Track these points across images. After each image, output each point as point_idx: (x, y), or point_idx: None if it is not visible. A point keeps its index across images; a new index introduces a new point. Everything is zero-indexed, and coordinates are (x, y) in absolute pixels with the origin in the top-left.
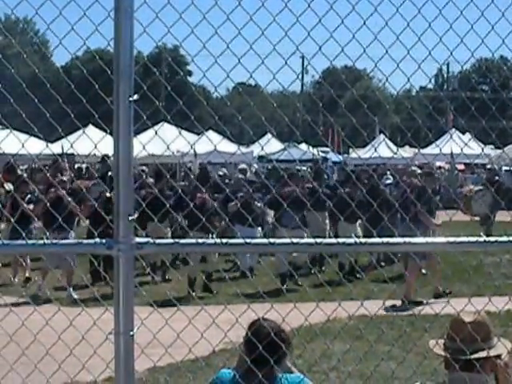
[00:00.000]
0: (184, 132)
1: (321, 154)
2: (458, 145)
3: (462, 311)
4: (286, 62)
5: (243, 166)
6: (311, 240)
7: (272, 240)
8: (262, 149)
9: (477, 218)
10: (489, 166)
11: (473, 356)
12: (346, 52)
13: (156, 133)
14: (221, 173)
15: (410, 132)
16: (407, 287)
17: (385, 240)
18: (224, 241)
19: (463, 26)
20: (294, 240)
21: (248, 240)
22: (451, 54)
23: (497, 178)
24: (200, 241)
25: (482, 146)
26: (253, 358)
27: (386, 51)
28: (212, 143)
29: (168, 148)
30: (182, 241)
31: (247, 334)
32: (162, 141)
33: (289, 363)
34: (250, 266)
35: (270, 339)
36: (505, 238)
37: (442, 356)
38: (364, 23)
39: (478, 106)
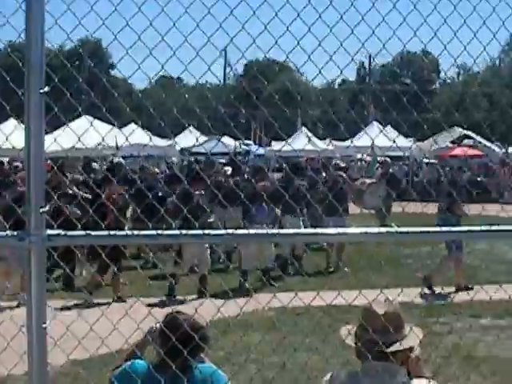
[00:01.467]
0: (106, 125)
1: (243, 146)
2: (388, 137)
3: (375, 301)
4: (213, 62)
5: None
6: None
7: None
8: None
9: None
10: (381, 159)
11: (387, 350)
12: (261, 46)
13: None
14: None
15: (330, 124)
16: None
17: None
18: (136, 232)
19: (391, 18)
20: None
21: (160, 231)
22: (383, 46)
23: (390, 170)
24: (112, 233)
25: (404, 138)
26: (168, 350)
27: (298, 43)
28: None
29: (78, 140)
30: (94, 233)
31: (162, 326)
32: (75, 133)
33: (205, 357)
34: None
35: (185, 332)
36: (417, 229)
37: (353, 347)
38: (276, 15)
39: (399, 99)
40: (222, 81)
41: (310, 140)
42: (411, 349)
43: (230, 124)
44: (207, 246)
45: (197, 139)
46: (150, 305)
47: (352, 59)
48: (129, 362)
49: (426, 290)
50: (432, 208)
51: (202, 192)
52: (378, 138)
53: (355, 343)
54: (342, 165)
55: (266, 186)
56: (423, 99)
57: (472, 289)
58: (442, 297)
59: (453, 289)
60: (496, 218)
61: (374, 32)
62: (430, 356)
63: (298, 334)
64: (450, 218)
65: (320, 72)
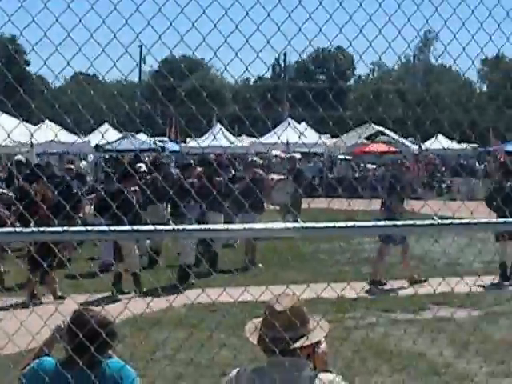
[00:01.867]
0: (20, 123)
1: (158, 143)
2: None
3: (279, 296)
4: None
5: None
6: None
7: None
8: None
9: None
10: (287, 156)
11: (292, 346)
12: (185, 41)
13: None
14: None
15: (247, 121)
16: None
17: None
18: (65, 228)
19: (302, 15)
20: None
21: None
22: (289, 42)
23: (297, 166)
24: (41, 229)
25: (318, 134)
26: (75, 347)
27: (204, 39)
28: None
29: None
30: (19, 229)
31: (69, 322)
32: None
33: (113, 353)
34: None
35: (92, 328)
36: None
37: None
38: (203, 12)
39: (314, 95)
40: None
41: (214, 137)
42: (318, 342)
43: (138, 121)
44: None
45: (103, 136)
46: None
47: (257, 55)
48: (37, 360)
49: (373, 286)
50: (346, 204)
51: (137, 188)
52: (294, 134)
53: (258, 341)
54: (260, 162)
55: (194, 183)
56: (338, 96)
57: (425, 281)
58: (393, 291)
59: (402, 283)
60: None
61: (279, 28)
62: (337, 350)
63: (207, 330)
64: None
65: (225, 69)
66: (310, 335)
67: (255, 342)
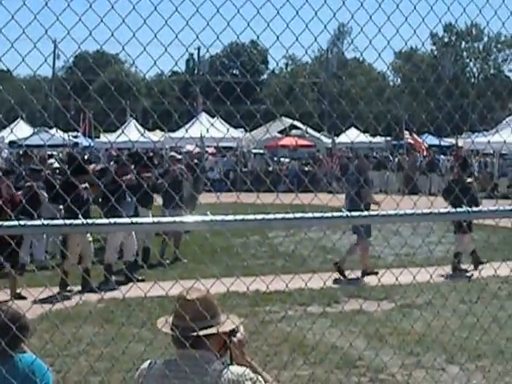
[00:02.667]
0: None
1: (71, 138)
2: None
3: (191, 289)
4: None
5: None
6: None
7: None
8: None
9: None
10: (184, 150)
11: (199, 333)
12: (95, 37)
13: None
14: None
15: (160, 116)
16: None
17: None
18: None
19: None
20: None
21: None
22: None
23: (196, 161)
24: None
25: (229, 128)
26: None
27: (112, 34)
28: None
29: None
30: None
31: None
32: None
33: (26, 348)
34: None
35: (3, 323)
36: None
37: (169, 334)
38: (112, 7)
39: (227, 90)
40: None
41: (122, 131)
42: (231, 334)
43: (51, 115)
44: (90, 238)
45: (11, 130)
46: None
47: (166, 49)
48: None
49: (339, 276)
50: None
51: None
52: (209, 129)
53: (171, 329)
54: (179, 157)
55: (131, 180)
56: (252, 90)
57: (377, 273)
58: (354, 282)
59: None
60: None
61: (186, 22)
62: (256, 344)
63: (130, 326)
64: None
65: (133, 63)
66: (219, 326)
67: (168, 331)
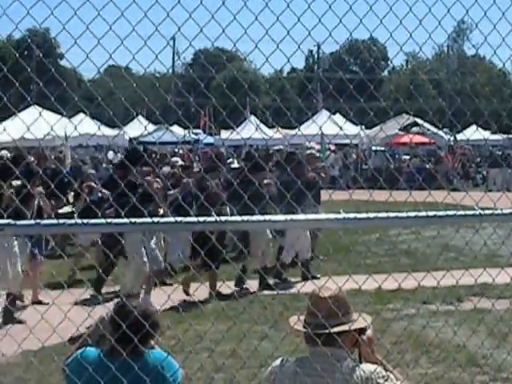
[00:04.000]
0: (55, 115)
1: (193, 135)
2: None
3: (323, 287)
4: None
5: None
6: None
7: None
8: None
9: None
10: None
11: (332, 330)
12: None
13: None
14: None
15: (282, 113)
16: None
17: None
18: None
19: (341, 6)
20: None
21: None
22: (330, 34)
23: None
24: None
25: (353, 126)
26: (118, 337)
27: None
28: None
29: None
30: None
31: (113, 313)
32: (24, 123)
33: (155, 345)
34: None
35: (135, 319)
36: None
37: (302, 332)
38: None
39: (348, 87)
40: (170, 70)
41: (257, 128)
42: (360, 332)
43: (179, 113)
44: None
45: (145, 127)
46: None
47: (299, 47)
48: (80, 350)
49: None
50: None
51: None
52: (328, 126)
53: (304, 327)
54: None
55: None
56: (371, 87)
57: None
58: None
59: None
60: (443, 204)
61: (320, 20)
62: (379, 342)
63: (249, 322)
64: None
65: (267, 60)
66: (351, 324)
67: (301, 329)
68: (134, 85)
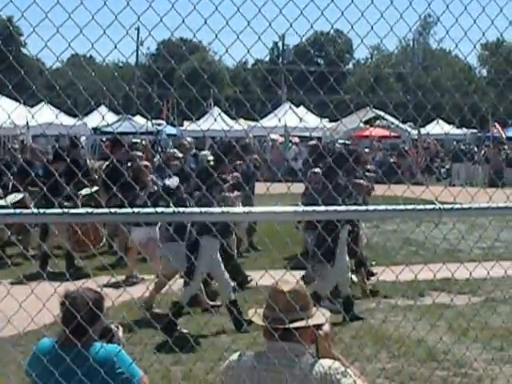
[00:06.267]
0: (16, 104)
1: (156, 126)
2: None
3: (282, 280)
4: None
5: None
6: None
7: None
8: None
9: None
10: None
11: (290, 325)
12: (181, 24)
13: None
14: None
15: (245, 104)
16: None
17: None
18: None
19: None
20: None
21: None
22: (291, 25)
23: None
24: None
25: (318, 118)
26: (66, 327)
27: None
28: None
29: None
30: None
31: (61, 304)
32: None
33: (121, 337)
34: None
35: (78, 308)
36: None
37: (260, 325)
38: None
39: (313, 79)
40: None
41: (215, 119)
42: (319, 326)
43: (137, 103)
44: None
45: (103, 117)
46: None
47: (259, 38)
48: (39, 342)
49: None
50: None
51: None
52: (292, 118)
53: (261, 323)
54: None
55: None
56: (337, 79)
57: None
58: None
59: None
60: (403, 198)
61: (281, 11)
62: (337, 336)
63: (207, 315)
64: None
65: (226, 51)
66: (310, 319)
67: (259, 322)
68: (95, 74)
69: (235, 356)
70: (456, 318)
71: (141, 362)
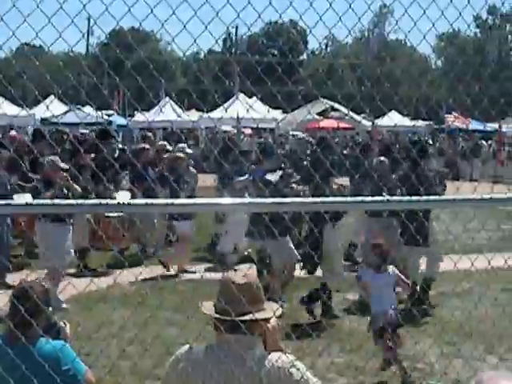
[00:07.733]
0: None
1: (105, 116)
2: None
3: (235, 273)
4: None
5: None
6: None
7: None
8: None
9: None
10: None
11: (236, 318)
12: (133, 13)
13: None
14: None
15: (196, 95)
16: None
17: None
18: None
19: None
20: None
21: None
22: (238, 15)
23: None
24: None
25: (268, 109)
26: (11, 321)
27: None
28: None
29: None
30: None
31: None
32: None
33: (67, 332)
34: None
35: (24, 301)
36: None
37: (210, 317)
38: None
39: (265, 70)
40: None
41: (161, 110)
42: (267, 320)
43: (83, 93)
44: None
45: (47, 107)
46: None
47: (205, 27)
48: None
49: None
50: None
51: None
52: (245, 109)
53: (210, 314)
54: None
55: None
56: (290, 71)
57: None
58: None
59: None
60: None
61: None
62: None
63: (153, 308)
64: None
65: (173, 40)
66: (259, 314)
67: (213, 314)
68: (47, 64)
69: (184, 350)
70: (409, 312)
71: (87, 357)
